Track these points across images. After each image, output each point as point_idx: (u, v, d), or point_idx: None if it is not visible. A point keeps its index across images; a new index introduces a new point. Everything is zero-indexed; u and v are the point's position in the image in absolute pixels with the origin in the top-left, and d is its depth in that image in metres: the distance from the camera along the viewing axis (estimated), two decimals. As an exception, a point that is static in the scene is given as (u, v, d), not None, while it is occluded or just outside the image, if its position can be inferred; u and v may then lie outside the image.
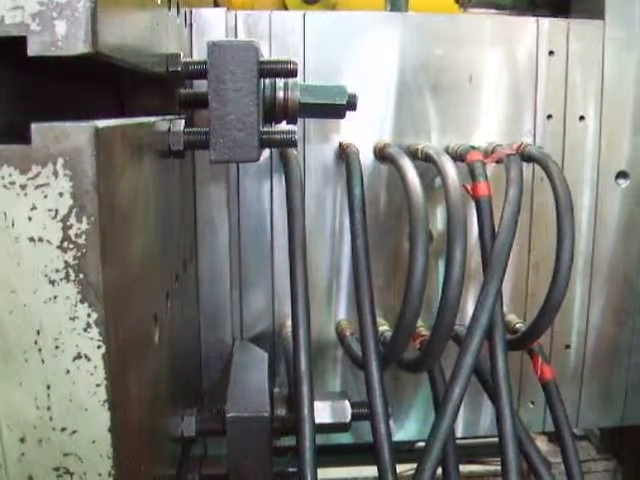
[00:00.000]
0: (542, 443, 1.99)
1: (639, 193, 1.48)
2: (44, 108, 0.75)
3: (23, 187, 0.55)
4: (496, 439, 1.19)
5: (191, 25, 1.26)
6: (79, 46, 0.56)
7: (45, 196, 0.55)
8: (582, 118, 1.44)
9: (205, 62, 0.91)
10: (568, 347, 1.54)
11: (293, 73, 0.99)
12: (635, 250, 1.50)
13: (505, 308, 1.32)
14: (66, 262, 0.56)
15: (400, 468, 1.19)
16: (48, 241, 0.56)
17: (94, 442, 0.60)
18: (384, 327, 1.39)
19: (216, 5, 1.53)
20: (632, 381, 1.57)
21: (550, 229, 1.26)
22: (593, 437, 2.03)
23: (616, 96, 1.44)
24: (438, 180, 1.34)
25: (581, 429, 1.98)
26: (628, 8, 1.42)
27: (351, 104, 1.15)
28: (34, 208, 0.55)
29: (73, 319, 0.57)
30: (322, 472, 1.08)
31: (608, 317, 1.54)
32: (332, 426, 1.22)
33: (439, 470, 1.18)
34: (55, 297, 0.57)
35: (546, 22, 1.41)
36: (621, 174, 1.47)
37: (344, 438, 1.42)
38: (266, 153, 1.34)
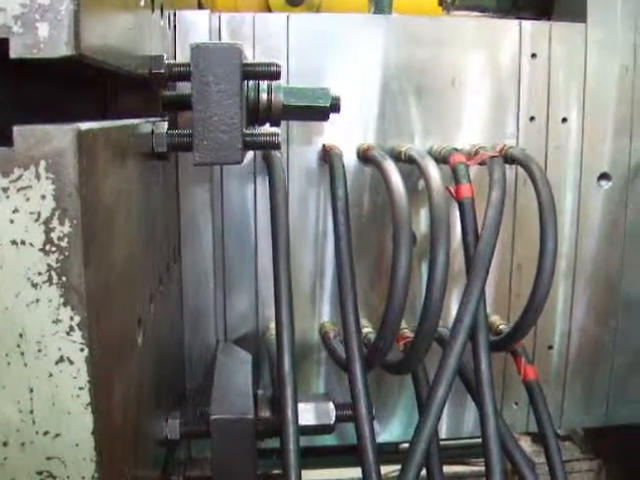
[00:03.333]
0: (526, 443, 1.99)
1: (621, 195, 1.49)
2: (27, 110, 0.75)
3: (5, 190, 0.55)
4: (480, 440, 1.19)
5: (175, 27, 1.26)
6: (62, 48, 0.55)
7: (27, 199, 0.55)
8: (565, 120, 1.45)
9: (188, 64, 0.91)
10: (551, 348, 1.55)
11: (277, 75, 0.99)
12: (617, 251, 1.51)
13: (488, 309, 1.33)
14: (49, 265, 0.56)
15: (384, 469, 1.19)
16: (30, 244, 0.56)
17: (77, 445, 0.60)
18: (368, 329, 1.39)
19: (200, 7, 1.53)
20: (615, 381, 1.58)
21: (533, 230, 1.26)
22: (577, 437, 2.04)
23: (598, 98, 1.45)
24: (421, 182, 1.34)
25: (565, 429, 1.99)
26: (610, 11, 1.43)
27: (335, 106, 1.15)
28: (16, 211, 0.55)
29: (56, 322, 0.57)
30: (306, 474, 1.08)
31: (591, 318, 1.55)
32: (316, 428, 1.22)
33: (423, 471, 1.19)
34: (38, 300, 0.57)
35: (529, 25, 1.41)
36: (603, 176, 1.48)
37: (328, 440, 1.42)
38: (250, 155, 1.34)
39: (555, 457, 1.32)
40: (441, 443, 1.29)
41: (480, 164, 1.30)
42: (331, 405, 1.22)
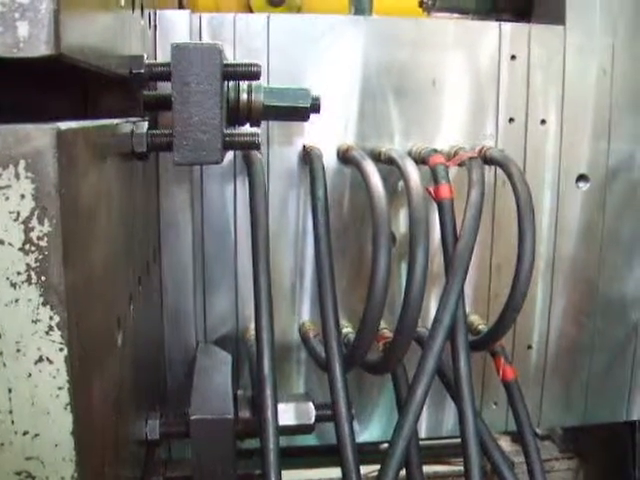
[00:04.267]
0: (505, 443, 2.01)
1: (599, 196, 1.50)
2: (6, 110, 0.75)
3: (-16, 189, 0.54)
4: (460, 439, 1.20)
5: (155, 27, 1.26)
6: (41, 48, 0.55)
7: (6, 198, 0.55)
8: (543, 122, 1.45)
9: (169, 64, 0.91)
10: (530, 347, 1.56)
11: (257, 76, 0.99)
12: (595, 252, 1.52)
13: (467, 309, 1.33)
14: (28, 265, 0.56)
15: (364, 469, 1.19)
16: (9, 243, 0.55)
17: (56, 446, 0.59)
18: (347, 329, 1.39)
19: (181, 7, 1.52)
20: (593, 381, 1.59)
21: (512, 231, 1.27)
22: (555, 436, 2.05)
23: (577, 100, 1.46)
24: (401, 183, 1.35)
25: (543, 429, 2.01)
26: (588, 14, 1.44)
27: (315, 107, 1.15)
28: (-5, 210, 0.55)
29: (35, 322, 0.57)
30: (286, 474, 1.08)
31: (569, 318, 1.56)
32: (296, 428, 1.22)
33: (403, 471, 1.19)
34: (17, 300, 0.56)
35: (508, 27, 1.42)
36: (581, 177, 1.49)
37: (308, 440, 1.42)
38: (230, 156, 1.34)
39: (534, 456, 1.32)
40: (421, 443, 1.30)
41: (459, 165, 1.31)
42: (311, 405, 1.23)
